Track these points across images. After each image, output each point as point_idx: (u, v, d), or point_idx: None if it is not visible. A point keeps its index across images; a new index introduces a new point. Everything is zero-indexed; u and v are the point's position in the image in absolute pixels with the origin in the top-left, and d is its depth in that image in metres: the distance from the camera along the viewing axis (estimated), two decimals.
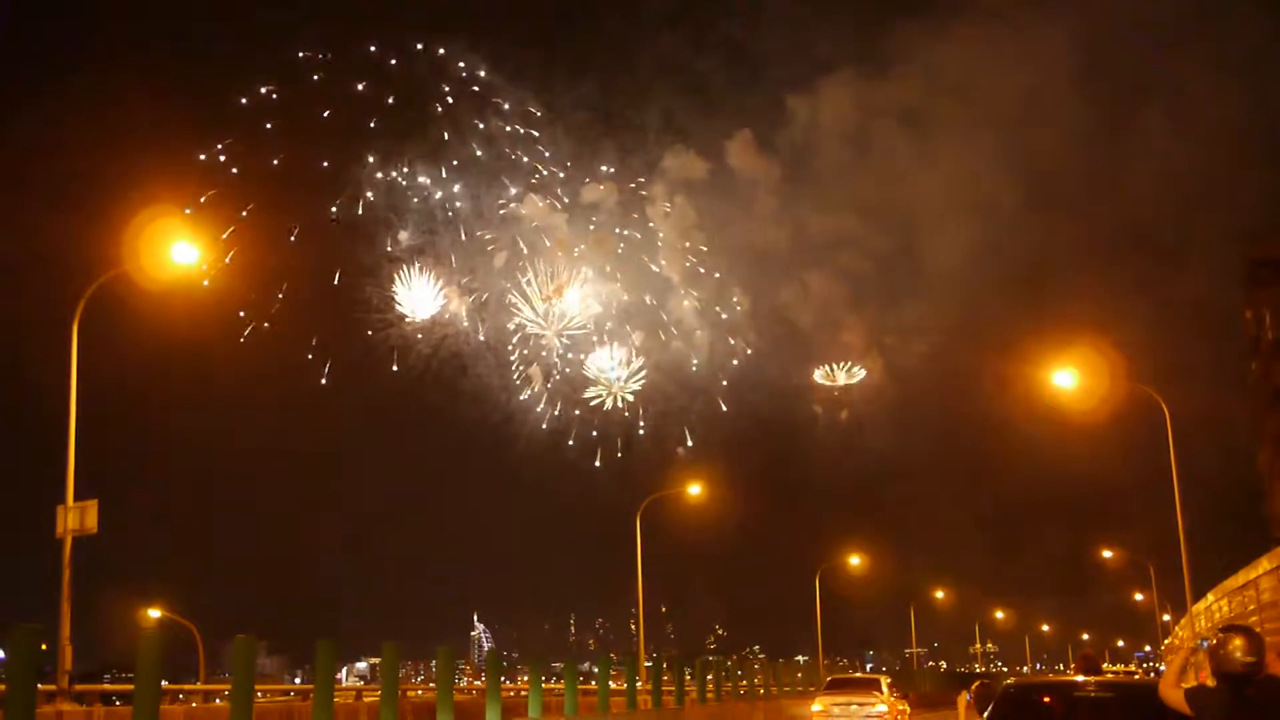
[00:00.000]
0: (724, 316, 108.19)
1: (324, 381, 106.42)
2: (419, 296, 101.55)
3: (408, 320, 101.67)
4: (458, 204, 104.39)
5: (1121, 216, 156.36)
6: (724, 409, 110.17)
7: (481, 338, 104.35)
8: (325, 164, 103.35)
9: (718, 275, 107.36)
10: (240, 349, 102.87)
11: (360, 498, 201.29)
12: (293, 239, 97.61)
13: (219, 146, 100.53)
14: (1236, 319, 77.05)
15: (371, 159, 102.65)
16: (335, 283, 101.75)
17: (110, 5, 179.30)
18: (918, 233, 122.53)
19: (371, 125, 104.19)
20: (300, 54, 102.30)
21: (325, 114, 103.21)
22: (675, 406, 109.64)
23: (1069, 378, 33.59)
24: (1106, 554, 79.50)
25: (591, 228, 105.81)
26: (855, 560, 74.60)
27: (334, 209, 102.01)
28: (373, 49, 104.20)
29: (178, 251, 23.46)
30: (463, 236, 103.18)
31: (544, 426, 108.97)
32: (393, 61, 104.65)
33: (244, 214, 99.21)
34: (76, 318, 22.88)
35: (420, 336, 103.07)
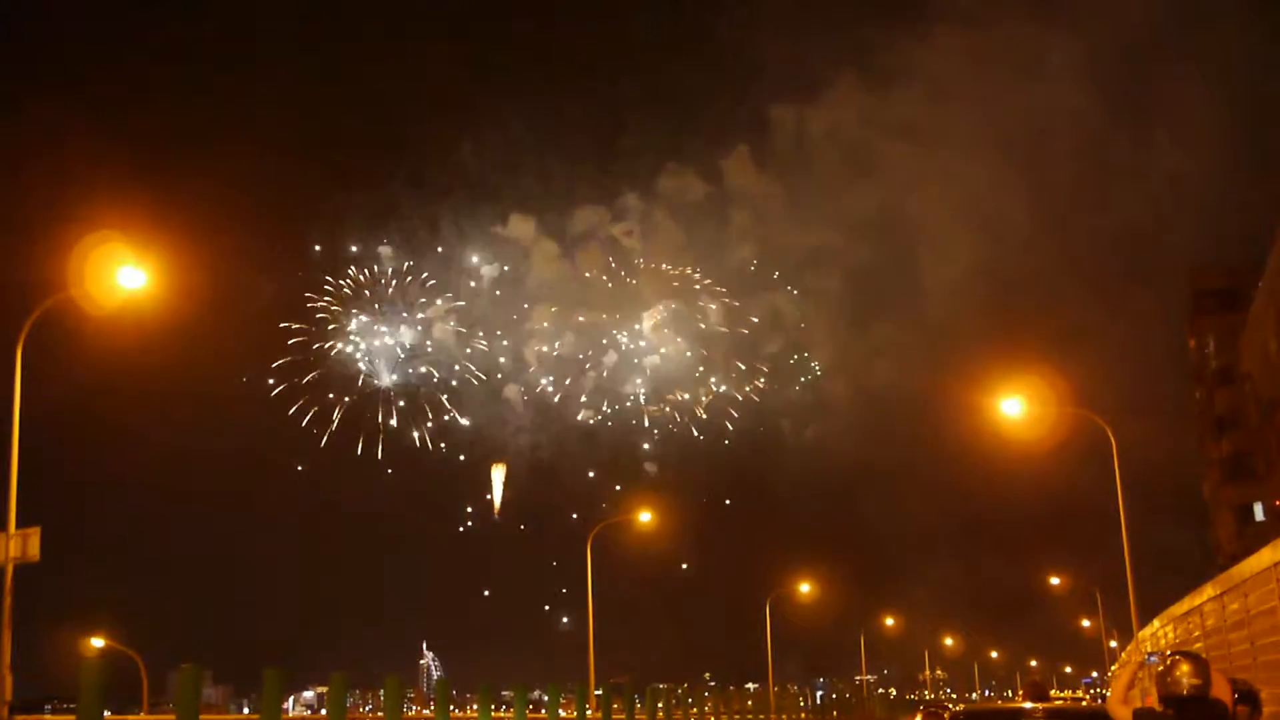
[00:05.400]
0: (703, 329, 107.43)
1: (271, 395, 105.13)
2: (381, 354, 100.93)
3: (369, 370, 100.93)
4: (441, 230, 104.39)
5: (1087, 240, 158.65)
6: (695, 433, 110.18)
7: (455, 364, 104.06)
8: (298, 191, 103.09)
9: (695, 291, 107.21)
10: (187, 375, 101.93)
11: (306, 525, 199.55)
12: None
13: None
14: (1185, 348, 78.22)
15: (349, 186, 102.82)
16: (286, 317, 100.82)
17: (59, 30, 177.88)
18: (895, 251, 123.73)
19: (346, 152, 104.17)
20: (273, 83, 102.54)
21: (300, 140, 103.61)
22: (643, 429, 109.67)
23: (1016, 405, 33.87)
24: (1054, 580, 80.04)
25: (579, 252, 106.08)
26: (805, 588, 74.77)
27: (316, 248, 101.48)
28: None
29: (125, 276, 23.14)
30: (444, 262, 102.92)
31: (507, 453, 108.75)
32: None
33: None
34: (20, 342, 22.49)
35: (376, 366, 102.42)
